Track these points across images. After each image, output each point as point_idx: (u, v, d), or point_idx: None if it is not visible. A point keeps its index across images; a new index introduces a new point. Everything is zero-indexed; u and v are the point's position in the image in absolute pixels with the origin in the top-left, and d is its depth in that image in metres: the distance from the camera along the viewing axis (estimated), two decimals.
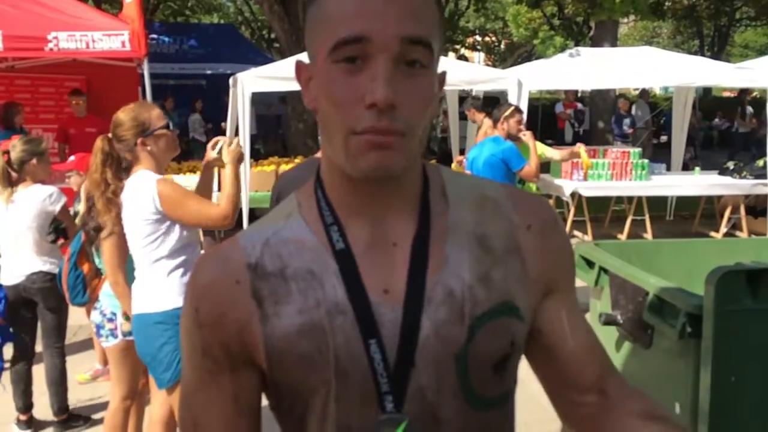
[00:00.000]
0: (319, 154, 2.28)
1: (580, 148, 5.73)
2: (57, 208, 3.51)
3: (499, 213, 0.87)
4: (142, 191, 2.34)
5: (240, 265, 0.83)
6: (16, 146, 3.58)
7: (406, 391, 0.80)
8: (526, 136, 4.69)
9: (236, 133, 6.73)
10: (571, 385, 0.91)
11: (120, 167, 2.55)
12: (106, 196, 2.48)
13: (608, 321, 2.28)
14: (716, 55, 18.85)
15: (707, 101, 17.50)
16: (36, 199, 3.49)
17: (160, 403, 2.49)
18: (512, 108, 5.05)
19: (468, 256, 0.83)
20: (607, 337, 2.37)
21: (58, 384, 3.59)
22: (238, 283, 0.82)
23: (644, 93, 13.53)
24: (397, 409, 0.80)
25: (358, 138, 0.74)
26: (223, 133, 9.58)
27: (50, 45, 5.65)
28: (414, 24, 0.74)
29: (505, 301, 0.83)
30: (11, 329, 3.60)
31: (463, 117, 8.57)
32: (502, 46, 28.95)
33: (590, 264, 2.57)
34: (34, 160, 3.53)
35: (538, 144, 5.16)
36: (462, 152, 8.50)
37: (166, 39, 13.28)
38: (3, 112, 6.16)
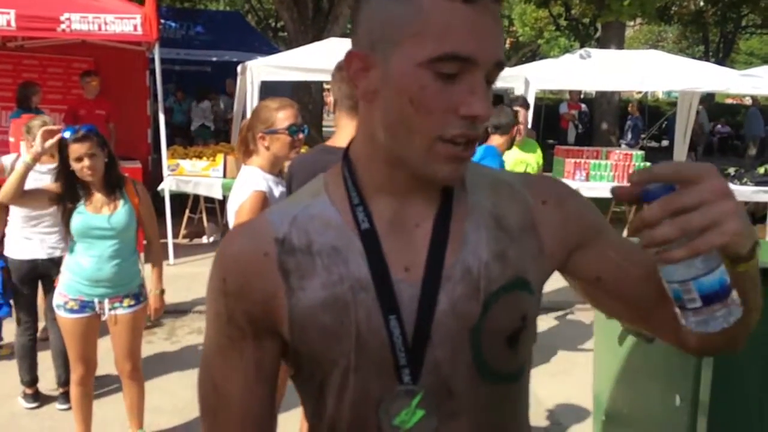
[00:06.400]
0: (330, 142, 2.32)
1: None
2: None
3: (514, 195, 0.91)
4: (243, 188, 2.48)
5: (268, 239, 0.87)
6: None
7: (423, 364, 0.85)
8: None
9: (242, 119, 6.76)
10: (651, 305, 0.88)
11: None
12: None
13: None
14: (721, 62, 18.91)
15: (710, 107, 17.55)
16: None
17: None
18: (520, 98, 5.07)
19: (486, 235, 0.88)
20: (611, 331, 2.42)
21: (64, 355, 3.63)
22: (266, 256, 0.86)
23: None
24: (414, 382, 0.85)
25: (444, 146, 0.79)
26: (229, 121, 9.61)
27: (62, 26, 5.67)
28: (501, 49, 0.80)
29: (518, 277, 0.88)
30: (12, 304, 3.66)
31: None
32: (507, 45, 28.99)
33: None
34: None
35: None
36: None
37: (173, 24, 13.24)
38: (20, 92, 6.16)
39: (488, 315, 0.85)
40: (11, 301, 3.75)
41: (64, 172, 2.83)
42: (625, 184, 0.74)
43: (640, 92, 20.21)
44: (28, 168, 2.84)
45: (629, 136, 13.36)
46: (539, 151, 4.96)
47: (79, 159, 2.78)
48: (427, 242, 0.86)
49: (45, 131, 2.77)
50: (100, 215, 2.88)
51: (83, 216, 2.86)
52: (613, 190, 0.75)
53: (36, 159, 2.83)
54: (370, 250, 0.85)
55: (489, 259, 0.86)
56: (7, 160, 3.83)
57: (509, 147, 4.30)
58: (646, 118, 16.90)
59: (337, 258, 0.85)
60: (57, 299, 2.95)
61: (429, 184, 0.87)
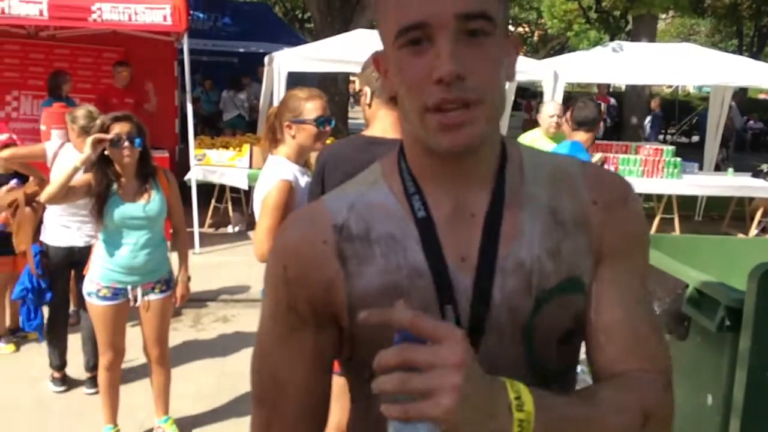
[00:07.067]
0: (367, 132, 2.29)
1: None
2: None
3: (572, 188, 0.88)
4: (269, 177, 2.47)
5: (327, 226, 0.87)
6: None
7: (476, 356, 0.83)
8: None
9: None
10: (593, 363, 0.88)
11: None
12: None
13: None
14: (754, 56, 18.46)
15: (743, 102, 17.17)
16: None
17: (340, 408, 2.16)
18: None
19: (540, 229, 0.85)
20: None
21: (93, 340, 3.68)
22: (325, 243, 0.86)
23: None
24: None
25: (431, 116, 0.78)
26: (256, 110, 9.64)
27: (94, 16, 5.73)
28: (464, 0, 0.76)
29: (572, 277, 0.85)
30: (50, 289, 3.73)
31: None
32: (535, 38, 28.66)
33: None
34: None
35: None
36: None
37: (201, 15, 13.32)
38: (51, 81, 6.25)
39: (540, 313, 0.84)
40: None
41: (97, 162, 2.86)
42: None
43: (670, 86, 19.89)
44: (76, 171, 2.86)
45: (647, 131, 13.13)
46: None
47: (119, 141, 2.80)
48: (481, 232, 0.85)
49: (95, 139, 2.80)
50: (136, 204, 2.91)
51: (119, 205, 2.89)
52: (365, 316, 0.72)
53: (85, 163, 2.85)
54: (426, 238, 0.84)
55: (542, 255, 0.84)
56: (50, 147, 3.87)
57: (592, 143, 4.13)
58: (677, 113, 16.64)
59: (395, 246, 0.85)
60: (89, 287, 2.98)
61: (481, 172, 0.86)
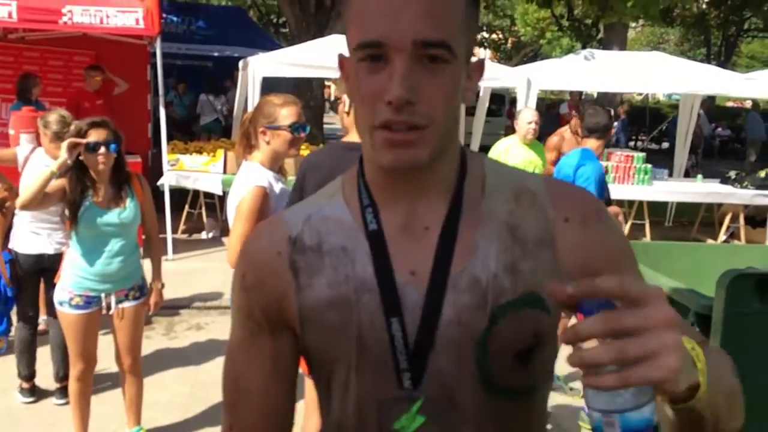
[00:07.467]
0: (346, 139, 2.30)
1: None
2: None
3: (535, 205, 0.87)
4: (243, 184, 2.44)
5: (282, 238, 0.89)
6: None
7: (425, 371, 0.83)
8: None
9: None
10: None
11: None
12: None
13: None
14: (722, 65, 18.88)
15: (711, 110, 17.54)
16: None
17: (318, 417, 2.31)
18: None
19: (497, 245, 0.84)
20: None
21: (63, 350, 3.61)
22: (279, 255, 0.89)
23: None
24: (414, 387, 0.83)
25: (378, 133, 0.79)
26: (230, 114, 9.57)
27: (64, 18, 5.66)
28: (430, 26, 0.75)
29: (531, 293, 0.83)
30: (16, 297, 3.65)
31: (470, 113, 8.60)
32: (509, 45, 28.95)
33: None
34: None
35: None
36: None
37: (175, 18, 13.19)
38: (20, 84, 6.13)
39: (495, 329, 0.82)
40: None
41: (72, 168, 2.80)
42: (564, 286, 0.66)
43: (641, 94, 20.24)
44: (53, 176, 2.80)
45: (613, 139, 13.41)
46: (544, 152, 4.97)
47: (95, 146, 2.76)
48: (435, 247, 0.84)
49: (71, 143, 2.75)
50: (111, 211, 2.87)
51: (94, 212, 2.84)
52: (549, 289, 0.68)
53: (61, 168, 2.79)
54: (375, 251, 0.85)
55: (498, 271, 0.83)
56: (21, 152, 3.80)
57: (603, 150, 4.02)
58: (647, 120, 16.93)
59: (345, 258, 0.86)
60: (60, 295, 2.92)
61: (436, 186, 0.85)
